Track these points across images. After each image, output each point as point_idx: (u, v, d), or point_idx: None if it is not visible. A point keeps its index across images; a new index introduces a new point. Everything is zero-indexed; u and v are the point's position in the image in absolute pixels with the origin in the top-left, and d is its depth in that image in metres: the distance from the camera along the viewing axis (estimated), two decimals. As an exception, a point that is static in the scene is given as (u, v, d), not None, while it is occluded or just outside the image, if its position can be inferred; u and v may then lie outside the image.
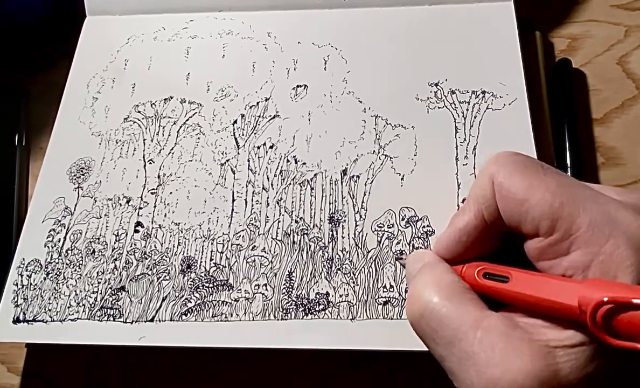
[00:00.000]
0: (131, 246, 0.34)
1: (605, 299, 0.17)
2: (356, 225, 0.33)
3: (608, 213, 0.20)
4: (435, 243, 0.26)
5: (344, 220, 0.33)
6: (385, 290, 0.31)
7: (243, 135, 0.37)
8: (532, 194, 0.21)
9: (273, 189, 0.35)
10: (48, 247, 0.34)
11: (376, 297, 0.30)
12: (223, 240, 0.33)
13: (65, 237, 0.34)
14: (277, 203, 0.34)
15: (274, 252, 0.32)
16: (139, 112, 0.38)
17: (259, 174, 0.35)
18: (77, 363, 0.34)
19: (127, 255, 0.33)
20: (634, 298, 0.17)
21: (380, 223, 0.33)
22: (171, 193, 0.35)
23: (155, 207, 0.35)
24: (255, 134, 0.37)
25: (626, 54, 0.40)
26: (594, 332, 0.17)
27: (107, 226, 0.34)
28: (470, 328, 0.20)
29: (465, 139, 0.34)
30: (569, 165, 0.35)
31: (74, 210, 0.35)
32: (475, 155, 0.34)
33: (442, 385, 0.29)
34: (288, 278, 0.32)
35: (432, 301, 0.22)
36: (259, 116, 0.37)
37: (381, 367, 0.32)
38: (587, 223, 0.19)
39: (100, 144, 0.38)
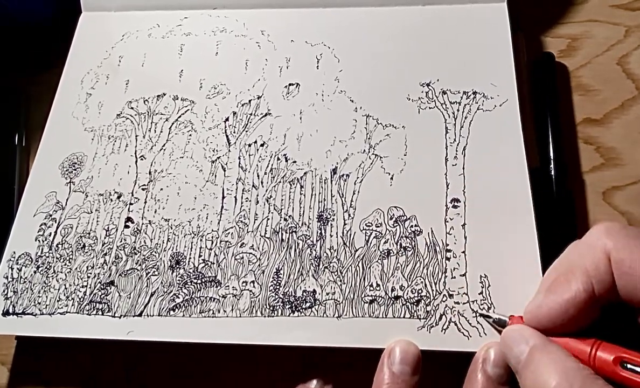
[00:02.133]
0: (121, 241, 0.34)
1: None
2: (344, 224, 0.33)
3: None
4: (534, 312, 0.25)
5: (333, 219, 0.33)
6: (371, 288, 0.31)
7: (234, 132, 0.37)
8: None
9: (263, 186, 0.35)
10: (39, 240, 0.34)
11: (362, 296, 0.31)
12: (212, 237, 0.33)
13: (56, 231, 0.35)
14: (267, 201, 0.34)
15: (262, 250, 0.33)
16: (132, 108, 0.39)
17: (249, 172, 0.35)
18: (74, 363, 0.35)
19: (116, 250, 0.34)
20: None
21: (369, 222, 0.33)
22: (162, 189, 0.35)
23: (145, 203, 0.35)
24: (246, 131, 0.37)
25: (626, 54, 0.40)
26: None
27: (97, 221, 0.35)
28: None
29: (455, 140, 0.34)
30: (551, 157, 0.35)
31: (65, 204, 0.36)
32: (464, 156, 0.34)
33: (443, 385, 0.30)
34: (276, 276, 0.32)
35: None
36: (251, 114, 0.37)
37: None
38: None
39: (92, 139, 0.38)
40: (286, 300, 0.31)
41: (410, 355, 0.28)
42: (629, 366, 0.21)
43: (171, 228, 0.34)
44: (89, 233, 0.34)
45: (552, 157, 0.35)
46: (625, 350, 0.22)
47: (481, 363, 0.27)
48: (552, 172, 0.35)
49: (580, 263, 0.24)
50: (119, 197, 0.35)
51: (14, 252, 0.34)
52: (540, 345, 0.24)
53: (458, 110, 0.35)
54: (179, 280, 0.32)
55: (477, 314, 0.29)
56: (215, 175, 0.35)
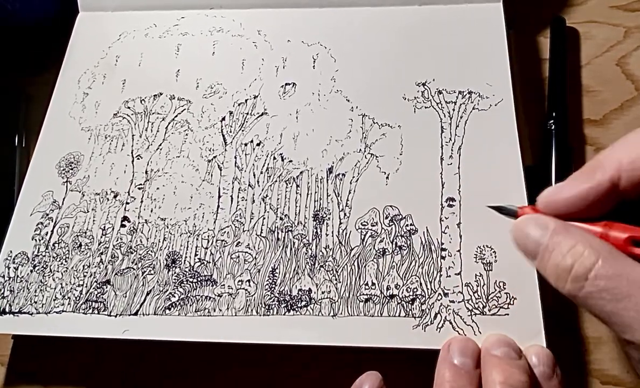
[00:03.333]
0: (117, 240, 0.34)
1: None
2: (340, 223, 0.33)
3: None
4: (551, 196, 0.26)
5: (329, 218, 0.33)
6: (367, 287, 0.31)
7: (231, 132, 0.37)
8: None
9: (259, 185, 0.35)
10: (35, 240, 0.34)
11: (358, 294, 0.31)
12: (208, 236, 0.33)
13: (52, 231, 0.35)
14: (263, 200, 0.34)
15: (258, 249, 0.33)
16: (129, 107, 0.39)
17: (245, 171, 0.35)
18: (70, 362, 0.35)
19: (113, 249, 0.34)
20: None
21: (364, 221, 0.33)
22: (158, 188, 0.35)
23: (142, 202, 0.35)
24: (242, 131, 0.37)
25: (625, 55, 0.40)
26: None
27: (94, 220, 0.35)
28: None
29: (450, 139, 0.35)
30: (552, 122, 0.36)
31: (62, 204, 0.36)
32: (460, 155, 0.34)
33: None
34: (271, 275, 0.32)
35: (599, 262, 0.22)
36: (247, 113, 0.38)
37: (382, 367, 0.32)
38: None
39: (89, 139, 0.38)
40: (282, 299, 0.31)
41: (470, 348, 0.27)
42: (637, 243, 0.22)
43: (167, 227, 0.34)
44: (86, 233, 0.34)
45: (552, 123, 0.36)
46: (637, 228, 0.23)
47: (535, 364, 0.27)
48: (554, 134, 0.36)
49: (613, 157, 0.24)
50: (115, 197, 0.35)
51: (11, 251, 0.34)
52: (561, 227, 0.24)
53: (453, 110, 0.35)
54: (174, 279, 0.32)
55: (488, 206, 0.29)
56: (212, 175, 0.36)
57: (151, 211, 0.35)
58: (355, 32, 0.39)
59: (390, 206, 0.33)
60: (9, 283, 0.33)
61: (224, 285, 0.32)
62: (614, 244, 0.23)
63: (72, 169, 0.37)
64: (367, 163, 0.35)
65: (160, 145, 0.37)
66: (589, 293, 0.22)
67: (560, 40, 0.39)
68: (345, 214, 0.33)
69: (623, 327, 0.22)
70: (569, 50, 0.40)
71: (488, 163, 0.33)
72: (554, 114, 0.36)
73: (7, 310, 0.32)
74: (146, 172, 0.36)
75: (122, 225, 0.34)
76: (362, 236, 0.32)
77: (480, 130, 0.34)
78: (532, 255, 0.25)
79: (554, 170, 0.34)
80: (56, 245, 0.34)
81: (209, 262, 0.33)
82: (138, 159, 0.37)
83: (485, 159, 0.33)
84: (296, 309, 0.31)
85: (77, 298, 0.32)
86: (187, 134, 0.37)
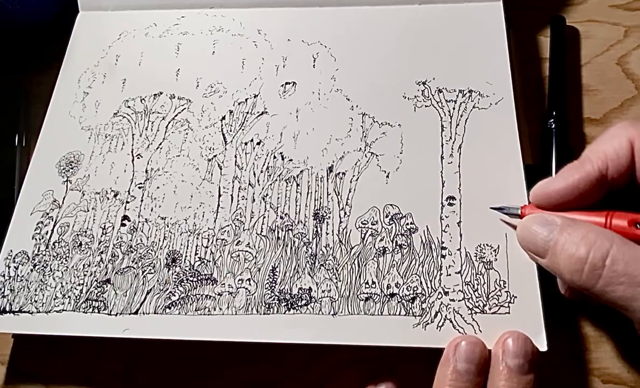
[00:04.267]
0: (117, 239, 0.34)
1: None
2: (340, 222, 0.33)
3: None
4: (543, 188, 0.27)
5: (329, 217, 0.33)
6: (367, 286, 0.31)
7: (231, 131, 0.37)
8: None
9: (259, 185, 0.35)
10: (35, 239, 0.34)
11: (358, 293, 0.31)
12: (208, 235, 0.33)
13: (52, 230, 0.35)
14: (263, 199, 0.34)
15: (259, 248, 0.33)
16: (129, 107, 0.39)
17: (245, 170, 0.35)
18: (71, 361, 0.35)
19: (113, 248, 0.34)
20: None
21: (365, 220, 0.33)
22: (158, 187, 0.35)
23: (142, 201, 0.35)
24: (243, 130, 0.37)
25: (625, 54, 0.40)
26: None
27: (94, 219, 0.35)
28: None
29: (451, 138, 0.35)
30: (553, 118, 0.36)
31: (62, 203, 0.36)
32: (460, 154, 0.34)
33: None
34: (271, 274, 0.32)
35: (613, 247, 0.23)
36: (247, 113, 0.37)
37: (382, 366, 0.32)
38: None
39: (89, 138, 0.38)
40: (282, 297, 0.31)
41: (477, 354, 0.27)
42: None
43: (167, 226, 0.34)
44: (86, 232, 0.34)
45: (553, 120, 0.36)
46: (636, 213, 0.24)
47: (501, 356, 0.26)
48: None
49: (598, 149, 0.26)
50: (115, 196, 0.35)
51: (11, 250, 0.34)
52: (569, 222, 0.25)
53: (454, 109, 0.35)
54: (175, 278, 0.32)
55: (490, 208, 0.30)
56: (212, 174, 0.36)
57: (151, 210, 0.35)
58: (355, 32, 0.39)
59: (391, 205, 0.33)
60: (9, 283, 0.33)
61: (224, 284, 0.32)
62: (618, 230, 0.24)
63: (72, 168, 0.37)
64: (367, 162, 0.35)
65: (160, 144, 0.37)
66: (608, 279, 0.23)
67: (560, 39, 0.39)
68: (345, 213, 0.33)
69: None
70: (569, 50, 0.40)
71: (488, 162, 0.33)
72: (554, 113, 0.36)
73: (7, 309, 0.32)
74: (146, 171, 0.36)
75: (123, 224, 0.34)
76: (363, 235, 0.32)
77: (481, 128, 0.34)
78: (542, 253, 0.26)
79: (554, 170, 0.34)
80: (56, 244, 0.34)
81: (209, 261, 0.33)
82: (138, 158, 0.37)
83: (486, 158, 0.33)
84: (296, 308, 0.31)
85: (78, 297, 0.32)
86: (187, 133, 0.37)
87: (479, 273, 0.30)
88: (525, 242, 0.27)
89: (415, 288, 0.30)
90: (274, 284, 0.31)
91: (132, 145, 0.37)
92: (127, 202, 0.35)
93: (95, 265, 0.33)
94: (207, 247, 0.33)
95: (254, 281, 0.32)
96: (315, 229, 0.33)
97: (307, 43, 0.40)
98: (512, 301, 0.29)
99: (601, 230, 0.24)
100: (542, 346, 0.27)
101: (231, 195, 0.35)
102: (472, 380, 0.26)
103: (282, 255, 0.32)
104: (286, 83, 0.38)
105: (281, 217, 0.33)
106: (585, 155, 0.26)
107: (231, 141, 0.37)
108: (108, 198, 0.35)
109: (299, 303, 0.31)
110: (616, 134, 0.26)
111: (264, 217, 0.34)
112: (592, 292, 0.24)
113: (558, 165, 0.35)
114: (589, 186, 0.25)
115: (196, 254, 0.33)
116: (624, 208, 0.25)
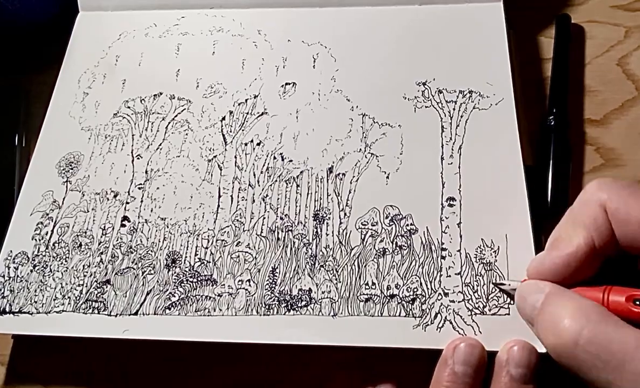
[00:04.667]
0: (117, 240, 0.34)
1: None
2: (340, 223, 0.33)
3: None
4: (537, 268, 0.26)
5: (329, 218, 0.33)
6: (367, 287, 0.31)
7: (231, 131, 0.37)
8: None
9: (259, 185, 0.35)
10: (35, 239, 0.34)
11: (358, 294, 0.31)
12: (208, 236, 0.33)
13: (52, 230, 0.35)
14: (263, 200, 0.34)
15: (258, 248, 0.33)
16: (129, 107, 0.39)
17: (245, 171, 0.35)
18: (71, 361, 0.35)
19: (113, 249, 0.34)
20: None
21: (365, 221, 0.33)
22: (158, 188, 0.35)
23: (142, 202, 0.35)
24: (243, 130, 0.37)
25: (626, 55, 0.40)
26: None
27: (94, 220, 0.35)
28: (637, 348, 0.20)
29: (451, 138, 0.34)
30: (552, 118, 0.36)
31: (62, 203, 0.36)
32: (460, 155, 0.34)
33: None
34: (271, 275, 0.32)
35: (588, 327, 0.22)
36: (247, 113, 0.37)
37: (382, 367, 0.32)
38: None
39: (89, 138, 0.38)
40: (282, 298, 0.31)
41: (476, 357, 0.27)
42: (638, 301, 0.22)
43: (167, 227, 0.34)
44: (86, 232, 0.34)
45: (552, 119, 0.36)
46: (636, 289, 0.23)
47: (505, 363, 0.26)
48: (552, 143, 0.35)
49: (579, 220, 0.25)
50: (115, 196, 0.35)
51: (11, 251, 0.34)
52: (556, 290, 0.25)
53: (454, 109, 0.35)
54: (174, 278, 0.32)
55: (492, 283, 0.30)
56: (212, 174, 0.36)
57: (151, 211, 0.35)
58: (355, 32, 0.39)
59: (391, 206, 0.33)
60: (9, 283, 0.33)
61: (224, 284, 0.32)
62: (615, 308, 0.23)
63: (72, 169, 0.37)
64: (367, 162, 0.35)
65: (160, 144, 0.37)
66: (582, 360, 0.22)
67: (565, 37, 0.39)
68: (345, 214, 0.33)
69: None
70: (573, 49, 0.40)
71: (488, 162, 0.33)
72: (554, 110, 0.36)
73: (7, 309, 0.32)
74: (146, 171, 0.36)
75: (122, 225, 0.34)
76: (363, 236, 0.32)
77: (481, 129, 0.34)
78: (529, 317, 0.25)
79: (551, 168, 0.34)
80: (56, 244, 0.34)
81: (209, 262, 0.33)
82: (138, 158, 0.37)
83: (486, 159, 0.33)
84: (296, 309, 0.31)
85: (77, 298, 0.32)
86: (187, 134, 0.37)
87: (479, 274, 0.30)
88: (519, 309, 0.27)
89: (415, 290, 0.30)
90: (273, 285, 0.31)
91: (132, 145, 0.37)
92: (127, 203, 0.35)
93: (95, 266, 0.33)
94: (207, 247, 0.33)
95: (253, 282, 0.32)
96: (315, 230, 0.33)
97: (307, 43, 0.40)
98: (512, 302, 0.29)
99: (585, 305, 0.23)
100: (540, 348, 0.27)
101: (231, 195, 0.35)
102: (469, 383, 0.26)
103: (282, 256, 0.32)
104: (286, 83, 0.38)
105: (281, 218, 0.33)
106: (566, 232, 0.25)
107: (231, 142, 0.37)
108: (108, 199, 0.35)
109: (299, 304, 0.31)
110: (588, 201, 0.25)
111: (264, 218, 0.34)
112: (573, 371, 0.23)
113: (555, 164, 0.34)
114: (580, 260, 0.24)
115: (196, 255, 0.33)
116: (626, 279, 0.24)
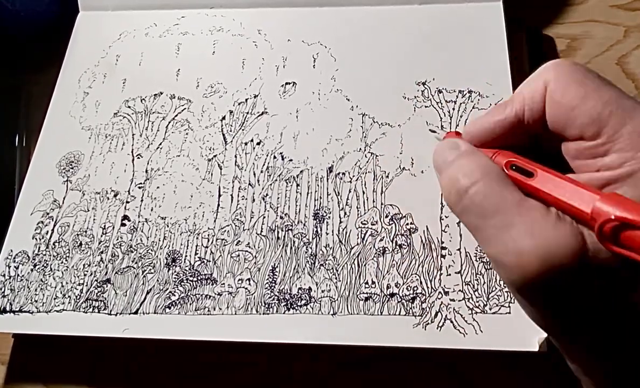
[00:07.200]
0: (117, 239, 0.34)
1: (613, 217, 0.19)
2: (340, 222, 0.33)
3: None
4: (467, 129, 0.27)
5: (329, 217, 0.33)
6: (367, 286, 0.31)
7: (231, 131, 0.37)
8: (584, 102, 0.23)
9: (259, 184, 0.35)
10: (36, 239, 0.35)
11: (358, 293, 0.31)
12: (208, 235, 0.33)
13: (53, 230, 0.35)
14: (263, 199, 0.34)
15: (258, 247, 0.33)
16: (129, 107, 0.39)
17: (245, 170, 0.35)
18: (71, 360, 0.35)
19: (113, 248, 0.34)
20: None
21: (364, 220, 0.33)
22: (158, 187, 0.35)
23: (142, 201, 0.35)
24: (243, 130, 0.37)
25: (625, 54, 0.40)
26: (599, 241, 0.19)
27: (94, 219, 0.35)
28: (514, 204, 0.22)
29: (450, 138, 0.34)
30: None
31: (63, 203, 0.36)
32: (460, 154, 0.34)
33: (439, 382, 0.29)
34: (271, 273, 0.32)
35: (481, 179, 0.23)
36: (247, 113, 0.38)
37: (381, 367, 0.32)
38: (630, 132, 0.21)
39: (90, 138, 0.38)
40: (282, 297, 0.31)
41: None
42: (514, 167, 0.24)
43: (167, 226, 0.34)
44: (86, 232, 0.34)
45: None
46: (517, 156, 0.24)
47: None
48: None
49: (520, 92, 0.25)
50: (115, 196, 0.35)
51: (11, 250, 0.34)
52: (469, 151, 0.25)
53: (453, 109, 0.36)
54: (175, 278, 0.32)
55: (429, 130, 0.31)
56: (212, 174, 0.36)
57: (151, 210, 0.35)
58: (355, 32, 0.39)
59: (390, 205, 0.33)
60: (10, 282, 0.33)
61: (224, 283, 0.32)
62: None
63: (72, 168, 0.37)
64: (367, 162, 0.35)
65: (160, 144, 0.37)
66: (465, 206, 0.23)
67: (538, 50, 0.39)
68: (345, 213, 0.33)
69: (482, 241, 0.22)
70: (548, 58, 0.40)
71: (488, 162, 0.33)
72: None
73: (7, 309, 0.33)
74: (146, 171, 0.36)
75: (123, 224, 0.34)
76: (362, 235, 0.32)
77: (480, 129, 0.34)
78: (439, 171, 0.26)
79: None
80: (56, 244, 0.34)
81: (209, 261, 0.33)
82: (138, 158, 0.37)
83: (486, 158, 0.33)
84: (296, 308, 0.31)
85: (78, 297, 0.32)
86: (187, 133, 0.37)
87: (479, 273, 0.30)
88: (434, 161, 0.27)
89: (415, 288, 0.30)
90: (273, 284, 0.31)
91: (132, 145, 0.37)
92: (127, 202, 0.35)
93: (96, 265, 0.33)
94: (207, 246, 0.33)
95: (253, 281, 0.32)
96: (315, 229, 0.33)
97: (307, 43, 0.40)
98: (512, 301, 0.29)
99: (485, 163, 0.24)
100: (543, 346, 0.27)
101: (231, 195, 0.35)
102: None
103: (282, 255, 0.32)
104: (286, 83, 0.38)
105: (281, 217, 0.33)
106: (511, 96, 0.26)
107: (231, 141, 0.37)
108: (108, 198, 0.35)
109: (299, 303, 0.31)
110: (536, 76, 0.25)
111: (264, 217, 0.34)
112: (456, 214, 0.24)
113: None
114: (505, 129, 0.25)
115: (196, 254, 0.33)
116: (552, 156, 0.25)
